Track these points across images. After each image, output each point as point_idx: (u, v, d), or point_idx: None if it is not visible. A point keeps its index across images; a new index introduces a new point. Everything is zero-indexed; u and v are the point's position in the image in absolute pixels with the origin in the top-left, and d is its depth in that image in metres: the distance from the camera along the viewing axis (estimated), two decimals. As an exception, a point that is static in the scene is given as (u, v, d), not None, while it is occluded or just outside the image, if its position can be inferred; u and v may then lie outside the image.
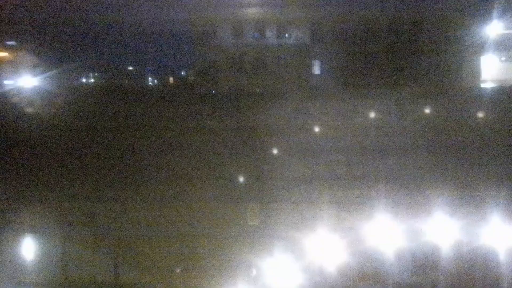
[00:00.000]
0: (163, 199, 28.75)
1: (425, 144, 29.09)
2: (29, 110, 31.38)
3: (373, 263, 22.52)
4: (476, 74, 38.27)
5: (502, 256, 21.09)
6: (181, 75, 71.88)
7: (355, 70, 44.63)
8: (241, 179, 28.27)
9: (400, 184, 27.10)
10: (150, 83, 71.95)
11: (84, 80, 62.98)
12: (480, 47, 36.52)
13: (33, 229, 26.02)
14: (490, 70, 39.00)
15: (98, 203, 29.02)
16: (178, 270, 23.62)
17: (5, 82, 37.73)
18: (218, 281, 23.50)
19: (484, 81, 39.67)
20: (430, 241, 21.95)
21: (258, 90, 46.62)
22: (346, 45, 42.22)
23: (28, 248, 23.47)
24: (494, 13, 35.56)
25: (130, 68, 71.43)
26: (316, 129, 30.75)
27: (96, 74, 66.75)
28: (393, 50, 40.53)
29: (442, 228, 21.42)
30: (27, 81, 37.26)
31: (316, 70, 48.35)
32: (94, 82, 66.40)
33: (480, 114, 30.10)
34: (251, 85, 45.02)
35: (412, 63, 33.49)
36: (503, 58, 39.10)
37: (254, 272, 22.69)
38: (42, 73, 37.04)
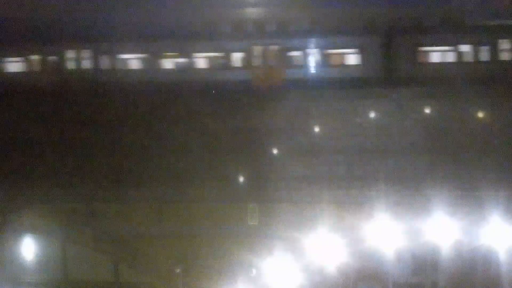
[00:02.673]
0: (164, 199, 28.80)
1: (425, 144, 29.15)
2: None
3: (373, 263, 22.51)
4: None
5: (502, 256, 21.07)
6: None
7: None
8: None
9: (400, 184, 27.15)
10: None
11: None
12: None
13: (33, 229, 26.01)
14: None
15: (99, 203, 29.03)
16: (178, 270, 23.60)
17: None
18: (218, 281, 23.51)
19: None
20: (430, 241, 21.91)
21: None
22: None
23: (28, 248, 23.42)
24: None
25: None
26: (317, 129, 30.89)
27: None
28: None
29: (442, 228, 21.38)
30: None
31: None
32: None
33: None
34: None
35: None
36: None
37: (254, 272, 22.67)
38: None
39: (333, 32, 34.15)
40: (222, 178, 28.74)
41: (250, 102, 31.55)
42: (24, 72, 35.22)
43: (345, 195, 27.44)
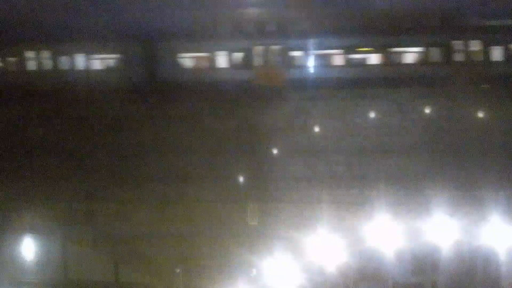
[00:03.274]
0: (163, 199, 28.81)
1: (425, 144, 29.18)
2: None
3: (373, 263, 22.51)
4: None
5: (502, 256, 21.08)
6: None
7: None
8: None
9: (400, 184, 27.18)
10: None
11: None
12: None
13: (33, 229, 26.01)
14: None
15: (98, 203, 29.05)
16: (178, 270, 23.60)
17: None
18: (218, 281, 23.50)
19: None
20: (430, 241, 21.92)
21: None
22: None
23: (28, 248, 23.43)
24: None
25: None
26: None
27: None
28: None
29: (442, 228, 21.39)
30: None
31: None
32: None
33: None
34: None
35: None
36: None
37: (254, 272, 22.67)
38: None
39: None
40: (222, 178, 28.76)
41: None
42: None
43: (345, 195, 27.47)
